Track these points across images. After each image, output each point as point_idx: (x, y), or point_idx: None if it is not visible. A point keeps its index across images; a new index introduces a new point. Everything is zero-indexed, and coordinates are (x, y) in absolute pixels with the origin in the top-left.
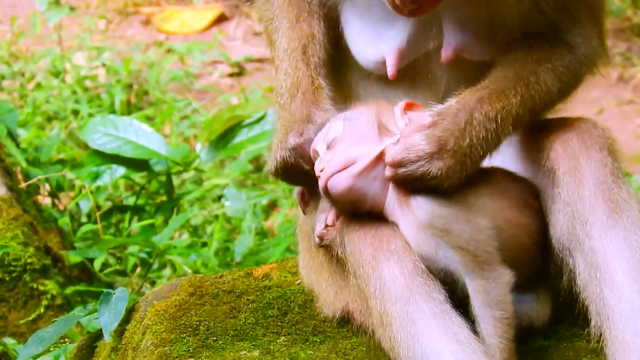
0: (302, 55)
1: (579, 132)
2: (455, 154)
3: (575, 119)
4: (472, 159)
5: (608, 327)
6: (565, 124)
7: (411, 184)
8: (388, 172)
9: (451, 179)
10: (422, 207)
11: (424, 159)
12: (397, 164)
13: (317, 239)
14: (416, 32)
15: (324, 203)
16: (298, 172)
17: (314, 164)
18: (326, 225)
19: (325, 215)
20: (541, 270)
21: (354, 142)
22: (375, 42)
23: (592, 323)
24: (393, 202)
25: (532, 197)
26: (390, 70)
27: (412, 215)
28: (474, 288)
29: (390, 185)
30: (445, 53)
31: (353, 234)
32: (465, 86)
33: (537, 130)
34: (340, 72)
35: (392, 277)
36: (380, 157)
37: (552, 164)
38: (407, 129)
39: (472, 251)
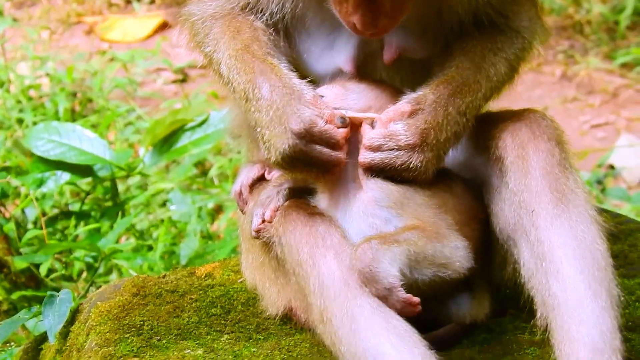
0: (247, 51)
1: (528, 123)
2: (434, 147)
3: (524, 110)
4: (445, 152)
5: (554, 318)
6: (514, 115)
7: (383, 171)
8: (364, 154)
9: (427, 173)
10: (375, 188)
11: (404, 150)
12: (375, 148)
13: (253, 233)
14: (362, 38)
15: (262, 197)
16: (308, 156)
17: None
18: (263, 221)
19: (262, 210)
20: (478, 267)
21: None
22: (328, 52)
23: (538, 314)
24: (353, 175)
25: (481, 211)
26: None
27: (365, 194)
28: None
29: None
30: (387, 54)
31: (289, 233)
32: (414, 85)
33: (487, 121)
34: None
35: (329, 273)
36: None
37: (501, 153)
38: (385, 114)
39: (426, 222)
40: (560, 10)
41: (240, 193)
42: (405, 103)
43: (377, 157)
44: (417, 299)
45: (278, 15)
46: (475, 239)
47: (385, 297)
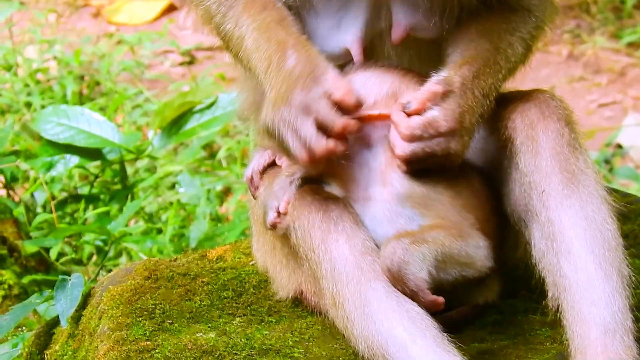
0: (278, 24)
1: (537, 103)
2: (469, 131)
3: (533, 90)
4: (472, 136)
5: (565, 298)
6: (523, 95)
7: (423, 162)
8: (403, 146)
9: (460, 157)
10: (400, 180)
11: (444, 136)
12: (416, 138)
13: (269, 226)
14: (370, 16)
15: (275, 187)
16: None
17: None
18: (279, 214)
19: (277, 202)
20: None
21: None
22: (336, 32)
23: (549, 295)
24: (375, 170)
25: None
26: (357, 57)
27: (390, 188)
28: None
29: (381, 150)
30: (396, 33)
31: (302, 219)
32: (422, 66)
33: (496, 102)
34: None
35: (342, 258)
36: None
37: (510, 134)
38: (418, 96)
39: (450, 222)
40: None
41: (252, 179)
42: (435, 84)
43: (418, 147)
44: (441, 299)
45: None
46: (494, 233)
47: (411, 296)
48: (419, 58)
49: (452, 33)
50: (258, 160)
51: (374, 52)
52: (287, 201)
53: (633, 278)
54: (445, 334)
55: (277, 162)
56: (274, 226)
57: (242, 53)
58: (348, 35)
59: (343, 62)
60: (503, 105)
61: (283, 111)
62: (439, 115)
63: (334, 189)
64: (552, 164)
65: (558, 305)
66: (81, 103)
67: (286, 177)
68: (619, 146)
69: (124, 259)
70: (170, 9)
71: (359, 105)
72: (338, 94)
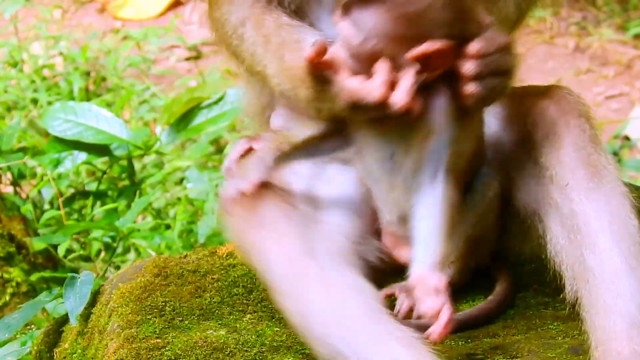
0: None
1: (556, 100)
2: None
3: (549, 86)
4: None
5: (588, 291)
6: (540, 91)
7: (488, 80)
8: (473, 65)
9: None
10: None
11: (501, 51)
12: (484, 55)
13: (221, 201)
14: None
15: (248, 166)
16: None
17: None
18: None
19: (240, 180)
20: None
21: None
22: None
23: (568, 288)
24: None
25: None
26: None
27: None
28: None
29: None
30: None
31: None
32: None
33: (512, 98)
34: None
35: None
36: None
37: (529, 130)
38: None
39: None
40: None
41: (230, 169)
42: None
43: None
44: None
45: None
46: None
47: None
48: None
49: None
50: (235, 149)
51: None
52: (253, 182)
53: None
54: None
55: (255, 147)
56: (226, 202)
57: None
58: None
59: None
60: (518, 101)
61: None
62: (494, 34)
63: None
64: (576, 158)
65: (576, 299)
66: (88, 99)
67: (259, 157)
68: (627, 138)
69: (132, 255)
70: (176, 3)
71: None
72: None
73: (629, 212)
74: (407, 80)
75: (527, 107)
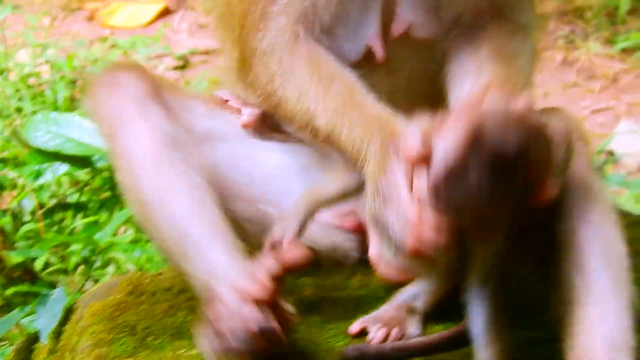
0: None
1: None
2: None
3: (548, 109)
4: None
5: (572, 311)
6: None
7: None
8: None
9: None
10: None
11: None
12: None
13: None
14: (382, 9)
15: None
16: None
17: None
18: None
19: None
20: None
21: None
22: (356, 31)
23: (552, 306)
24: None
25: None
26: (379, 53)
27: None
28: None
29: None
30: (397, 28)
31: None
32: (413, 64)
33: None
34: None
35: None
36: None
37: None
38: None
39: None
40: None
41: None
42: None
43: None
44: None
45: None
46: None
47: None
48: (412, 55)
49: (447, 36)
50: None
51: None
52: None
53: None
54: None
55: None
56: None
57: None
58: (369, 31)
59: (361, 59)
60: None
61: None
62: None
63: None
64: (573, 179)
65: (560, 318)
66: (73, 108)
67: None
68: (611, 153)
69: (111, 268)
70: (166, 12)
71: None
72: None
73: (618, 238)
74: None
75: None
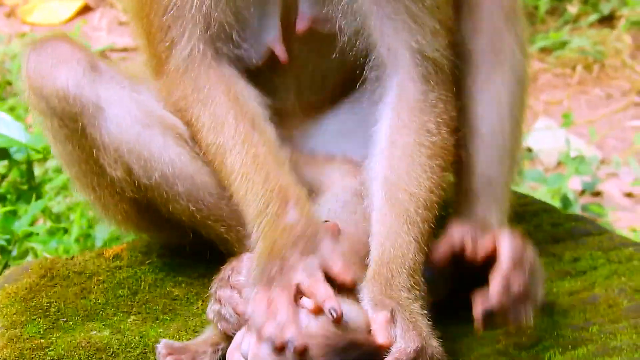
0: (274, 161)
1: None
2: None
3: None
4: None
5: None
6: None
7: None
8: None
9: None
10: None
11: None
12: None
13: None
14: (282, 11)
15: None
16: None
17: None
18: None
19: None
20: None
21: None
22: (257, 37)
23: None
24: None
25: None
26: (283, 56)
27: None
28: None
29: None
30: (301, 24)
31: None
32: (320, 59)
33: None
34: None
35: None
36: None
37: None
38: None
39: None
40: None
41: None
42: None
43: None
44: None
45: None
46: None
47: None
48: (317, 49)
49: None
50: None
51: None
52: None
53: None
54: None
55: None
56: None
57: (221, 163)
58: (270, 35)
59: (265, 61)
60: None
61: (274, 265)
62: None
63: None
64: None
65: None
66: None
67: None
68: (529, 150)
69: (29, 258)
70: (85, 9)
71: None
72: (335, 269)
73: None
74: None
75: None
